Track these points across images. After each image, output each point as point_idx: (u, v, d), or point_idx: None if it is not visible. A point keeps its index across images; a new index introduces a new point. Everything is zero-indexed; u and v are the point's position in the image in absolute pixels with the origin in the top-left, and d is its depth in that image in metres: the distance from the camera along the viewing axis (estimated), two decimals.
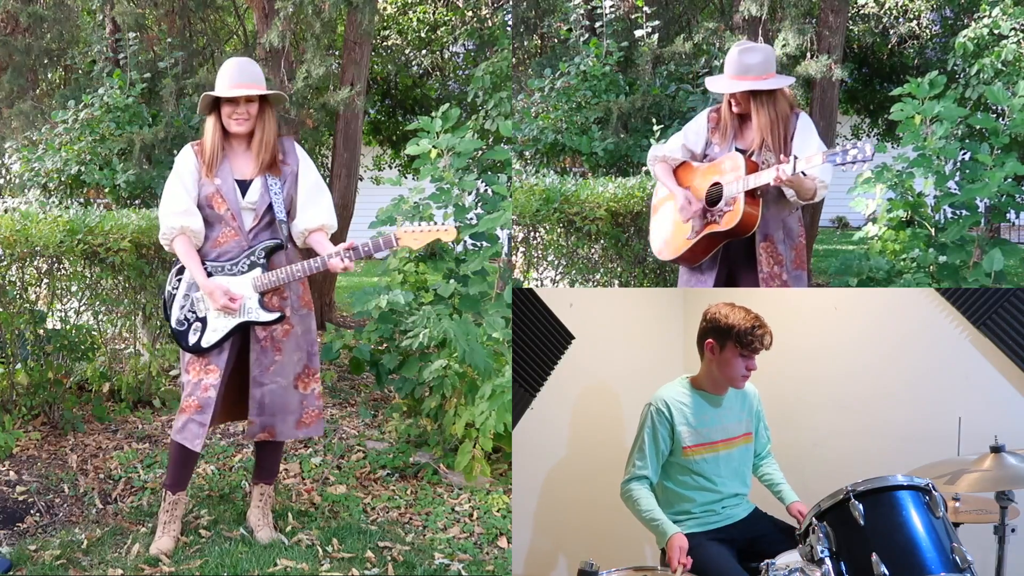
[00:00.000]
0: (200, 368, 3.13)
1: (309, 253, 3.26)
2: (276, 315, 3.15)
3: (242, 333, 3.18)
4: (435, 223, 3.19)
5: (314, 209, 3.24)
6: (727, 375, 2.83)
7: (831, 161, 3.06)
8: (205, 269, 3.13)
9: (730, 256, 3.43)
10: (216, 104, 3.15)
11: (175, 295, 3.21)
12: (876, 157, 4.12)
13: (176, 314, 3.19)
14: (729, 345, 2.77)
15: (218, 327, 3.12)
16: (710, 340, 2.82)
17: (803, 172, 3.10)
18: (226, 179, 3.14)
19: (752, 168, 3.27)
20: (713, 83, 3.44)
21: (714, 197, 3.35)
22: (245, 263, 3.14)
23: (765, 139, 3.32)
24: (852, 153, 3.03)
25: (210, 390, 3.11)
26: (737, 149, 3.39)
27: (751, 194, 3.26)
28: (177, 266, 3.21)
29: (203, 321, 3.14)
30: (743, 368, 2.79)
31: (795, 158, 3.11)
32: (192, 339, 3.13)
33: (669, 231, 3.55)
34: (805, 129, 3.34)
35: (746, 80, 3.29)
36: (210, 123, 3.17)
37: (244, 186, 3.16)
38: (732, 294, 3.15)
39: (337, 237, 7.40)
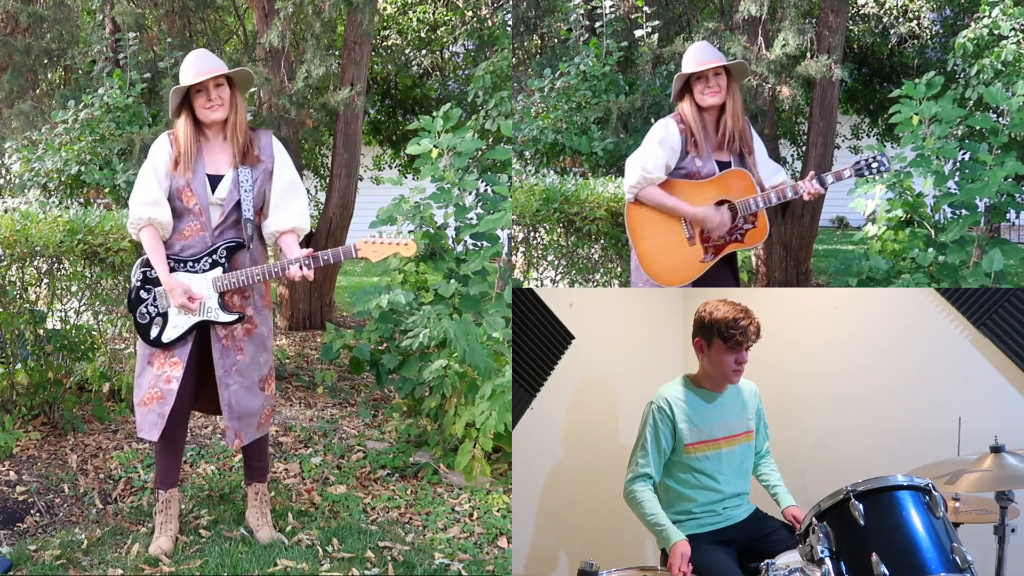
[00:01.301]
0: (164, 360, 3.14)
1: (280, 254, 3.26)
2: (235, 316, 3.14)
3: (205, 329, 3.17)
4: (397, 236, 3.17)
5: (286, 211, 3.21)
6: (719, 371, 2.83)
7: (860, 175, 3.39)
8: (168, 263, 3.12)
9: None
10: (185, 103, 3.13)
11: (137, 287, 3.19)
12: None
13: (138, 307, 3.18)
14: (715, 341, 2.77)
15: (178, 324, 3.13)
16: (698, 339, 2.83)
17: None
18: (198, 173, 3.12)
19: (759, 183, 3.39)
20: (694, 65, 3.36)
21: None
22: (207, 262, 3.13)
23: (737, 126, 3.40)
24: (874, 165, 3.37)
25: (172, 382, 3.12)
26: (716, 160, 3.43)
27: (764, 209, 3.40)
28: (142, 258, 3.19)
29: (164, 316, 3.14)
30: (732, 363, 2.78)
31: (820, 175, 3.37)
32: (154, 333, 3.14)
33: (674, 257, 3.45)
34: (759, 142, 3.53)
35: (724, 62, 3.39)
36: (181, 121, 3.14)
37: (216, 181, 3.14)
38: (733, 294, 3.15)
39: (338, 237, 7.41)
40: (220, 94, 3.11)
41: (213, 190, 3.13)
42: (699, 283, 3.46)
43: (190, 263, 3.12)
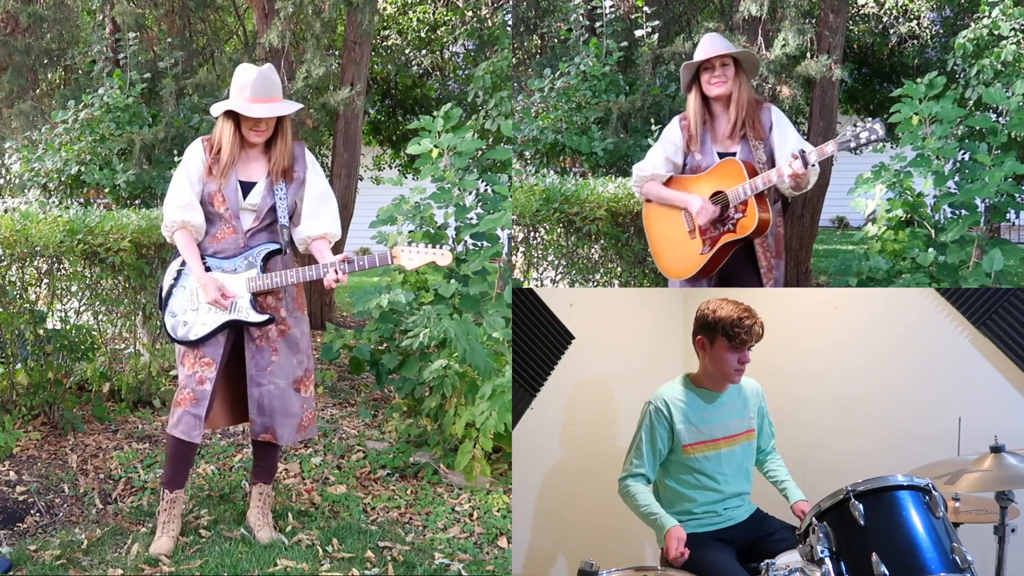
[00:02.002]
0: (195, 360, 3.15)
1: (307, 259, 3.26)
2: (265, 317, 3.16)
3: (239, 332, 3.20)
4: (433, 247, 3.19)
5: (319, 218, 3.24)
6: (721, 370, 2.83)
7: (845, 148, 3.14)
8: (203, 264, 3.16)
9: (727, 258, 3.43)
10: (231, 110, 3.12)
11: (172, 285, 3.23)
12: (875, 156, 4.14)
13: (169, 304, 3.21)
14: (719, 340, 2.77)
15: (208, 321, 3.15)
16: (700, 337, 2.83)
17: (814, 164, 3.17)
18: (230, 179, 3.15)
19: (751, 170, 3.29)
20: (701, 54, 3.35)
21: (720, 206, 3.35)
22: (243, 263, 3.17)
23: (741, 118, 3.35)
24: (864, 136, 3.10)
25: (205, 383, 3.13)
26: (718, 153, 3.40)
27: (759, 196, 3.28)
28: (178, 258, 3.23)
29: (195, 314, 3.16)
30: (735, 362, 2.78)
31: (802, 152, 3.17)
32: (181, 331, 3.16)
33: (678, 251, 3.48)
34: (782, 123, 3.43)
35: (731, 51, 3.35)
36: (228, 130, 3.13)
37: (247, 187, 3.18)
38: (732, 294, 3.15)
39: (339, 239, 7.41)
40: (269, 122, 3.13)
41: (245, 196, 3.16)
42: (724, 281, 3.46)
43: (225, 264, 3.17)
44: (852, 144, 3.13)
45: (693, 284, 3.51)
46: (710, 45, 3.38)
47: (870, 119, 3.17)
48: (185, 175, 3.17)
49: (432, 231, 4.53)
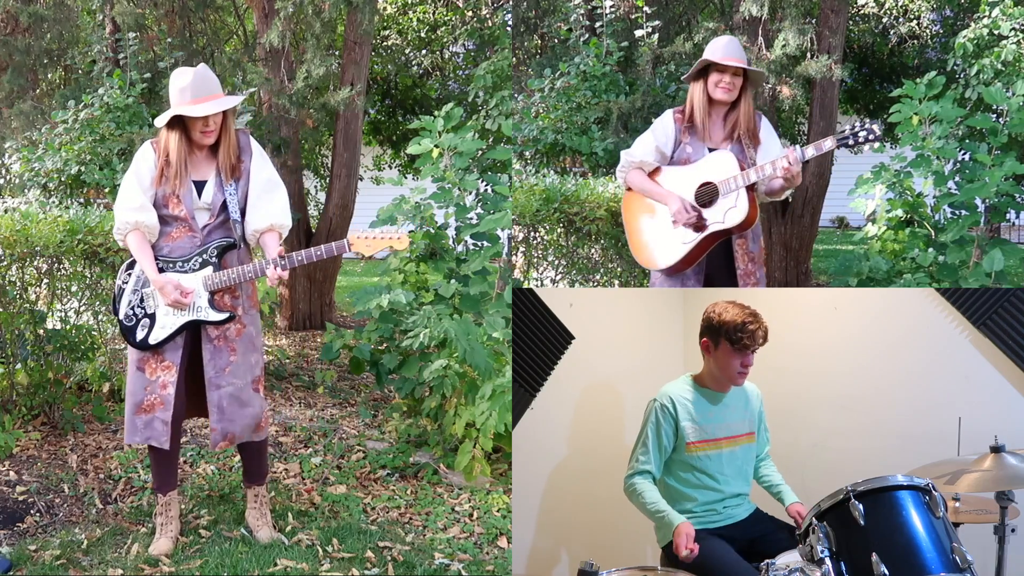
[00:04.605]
0: (156, 365, 3.12)
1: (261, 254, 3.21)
2: (226, 315, 3.13)
3: (194, 331, 3.16)
4: (389, 230, 3.16)
5: (264, 208, 3.18)
6: (725, 373, 2.84)
7: (844, 144, 3.18)
8: (157, 264, 3.11)
9: (709, 256, 3.43)
10: (178, 117, 3.08)
11: (124, 289, 3.18)
12: (875, 156, 4.14)
13: (124, 309, 3.17)
14: (722, 343, 2.78)
15: (167, 324, 3.11)
16: (705, 339, 2.84)
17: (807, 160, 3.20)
18: (185, 181, 3.12)
19: (742, 166, 3.31)
20: (718, 55, 3.32)
21: (707, 197, 3.34)
22: (197, 261, 3.12)
23: (741, 126, 3.36)
24: (862, 134, 3.17)
25: (168, 387, 3.11)
26: (708, 149, 3.40)
27: (749, 189, 3.29)
28: (128, 260, 3.19)
29: (151, 317, 3.12)
30: (738, 365, 2.80)
31: (800, 146, 3.21)
32: (140, 335, 3.12)
33: (661, 238, 3.45)
34: (767, 130, 3.45)
35: (745, 65, 3.33)
36: (174, 138, 3.08)
37: (200, 185, 3.15)
38: (736, 295, 3.15)
39: (338, 237, 7.42)
40: (215, 119, 3.09)
41: (199, 195, 3.14)
42: (708, 283, 3.45)
43: (179, 263, 3.12)
44: (850, 142, 3.19)
45: (673, 277, 3.46)
46: (729, 50, 3.34)
47: (868, 120, 3.23)
48: (135, 179, 3.12)
49: (432, 231, 4.53)
